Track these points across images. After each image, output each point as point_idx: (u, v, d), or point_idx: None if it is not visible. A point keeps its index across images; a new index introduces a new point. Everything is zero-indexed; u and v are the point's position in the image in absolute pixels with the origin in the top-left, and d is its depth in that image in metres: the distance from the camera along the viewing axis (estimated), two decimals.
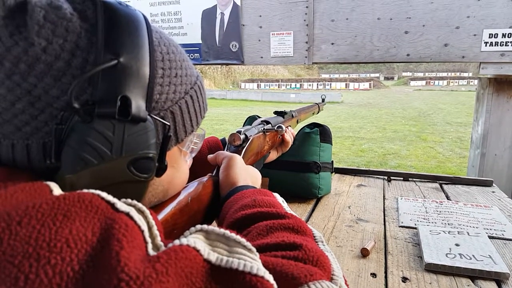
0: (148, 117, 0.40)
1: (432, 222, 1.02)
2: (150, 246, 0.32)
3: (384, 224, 1.03)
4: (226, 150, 0.83)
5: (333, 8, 2.34)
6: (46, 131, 0.36)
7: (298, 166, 1.21)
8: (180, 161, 0.50)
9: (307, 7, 2.38)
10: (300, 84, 36.60)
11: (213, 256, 0.32)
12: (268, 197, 0.55)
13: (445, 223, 1.02)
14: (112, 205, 0.33)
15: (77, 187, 0.36)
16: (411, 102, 18.46)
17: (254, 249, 0.35)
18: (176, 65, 0.45)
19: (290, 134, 1.03)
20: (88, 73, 0.36)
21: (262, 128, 0.88)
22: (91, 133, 0.36)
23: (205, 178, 0.61)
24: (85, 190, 0.33)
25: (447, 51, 2.19)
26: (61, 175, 0.36)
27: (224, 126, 9.76)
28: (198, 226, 0.36)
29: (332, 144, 1.28)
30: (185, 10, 2.60)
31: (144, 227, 0.33)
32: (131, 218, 0.32)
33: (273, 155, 1.02)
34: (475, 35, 2.11)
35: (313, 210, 1.15)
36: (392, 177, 1.45)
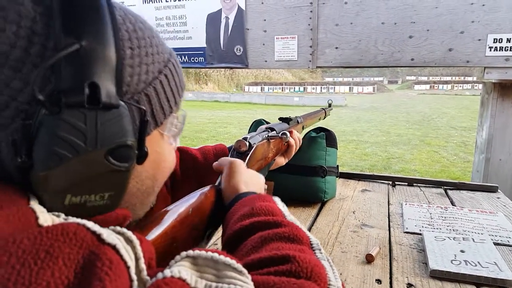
0: (121, 102, 0.37)
1: (437, 228, 1.02)
2: (135, 284, 0.30)
3: (389, 230, 1.03)
4: (230, 157, 0.83)
5: (337, 13, 2.35)
6: (13, 127, 0.34)
7: (304, 170, 1.21)
8: (163, 145, 0.48)
9: (311, 11, 2.39)
10: (304, 88, 36.60)
11: (200, 284, 0.31)
12: (267, 202, 0.54)
13: (450, 229, 1.02)
14: (98, 236, 0.30)
15: (52, 185, 0.34)
16: (415, 106, 18.42)
17: (245, 271, 0.34)
18: (146, 42, 0.42)
19: (296, 138, 1.03)
20: (49, 60, 0.33)
21: (266, 136, 0.88)
22: (61, 125, 0.33)
23: (206, 188, 0.60)
24: (71, 220, 0.32)
25: (451, 55, 2.19)
26: (34, 173, 0.34)
27: (227, 129, 9.77)
28: (184, 253, 0.34)
29: (337, 149, 1.28)
30: (190, 14, 2.61)
31: (131, 262, 0.31)
32: (118, 252, 0.30)
33: (281, 161, 1.01)
34: (479, 40, 2.11)
35: (317, 215, 1.15)
36: (396, 182, 1.45)
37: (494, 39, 2.09)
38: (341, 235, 1.00)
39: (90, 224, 0.31)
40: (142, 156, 0.40)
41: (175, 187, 0.82)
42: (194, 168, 0.85)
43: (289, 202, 1.22)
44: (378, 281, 0.78)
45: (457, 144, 7.70)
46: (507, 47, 2.07)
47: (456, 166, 5.82)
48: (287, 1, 2.42)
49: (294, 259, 0.38)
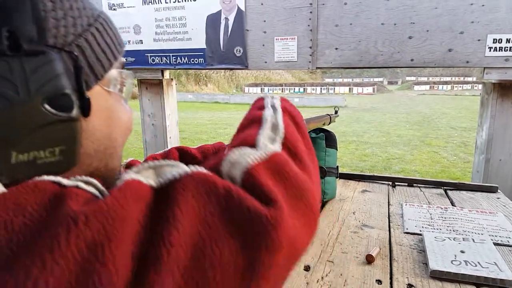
0: (50, 50, 0.37)
1: (437, 229, 1.02)
2: None
3: (389, 230, 1.03)
4: None
5: (337, 14, 2.35)
6: None
7: None
8: (113, 103, 0.47)
9: (311, 12, 2.39)
10: (304, 88, 36.61)
11: (152, 181, 0.34)
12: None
13: (450, 230, 1.02)
14: (59, 183, 0.32)
15: None
16: (415, 107, 18.43)
17: (181, 164, 0.37)
18: None
19: None
20: None
21: None
22: None
23: None
24: (35, 179, 0.33)
25: (451, 56, 2.19)
26: None
27: (227, 130, 9.77)
28: (127, 172, 0.37)
29: (337, 149, 1.28)
30: (189, 15, 2.61)
31: (96, 192, 0.33)
32: (80, 188, 0.32)
33: None
34: (479, 40, 2.11)
35: None
36: (396, 183, 1.45)
37: (494, 39, 2.09)
38: (341, 236, 1.00)
39: (48, 177, 0.32)
40: (85, 107, 0.40)
41: None
42: None
43: None
44: (379, 282, 0.78)
45: (457, 144, 7.70)
46: (507, 47, 2.08)
47: (456, 167, 5.82)
48: (287, 2, 2.42)
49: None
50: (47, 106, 0.36)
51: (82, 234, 0.26)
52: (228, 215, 0.33)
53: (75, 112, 0.39)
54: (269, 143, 0.44)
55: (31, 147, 0.37)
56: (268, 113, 0.51)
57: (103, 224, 0.27)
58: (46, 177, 0.32)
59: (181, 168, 0.36)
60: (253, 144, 0.42)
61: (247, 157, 0.39)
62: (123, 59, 0.51)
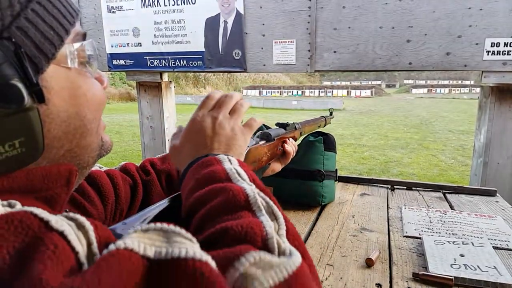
0: None
1: (437, 232, 1.02)
2: (85, 267, 0.29)
3: (389, 234, 1.03)
4: None
5: (335, 17, 2.36)
6: None
7: (302, 174, 1.21)
8: (73, 79, 0.44)
9: (309, 15, 2.40)
10: (302, 91, 36.66)
11: (150, 251, 0.30)
12: (209, 167, 0.50)
13: (450, 233, 1.02)
14: (46, 223, 0.29)
15: None
16: (413, 110, 18.47)
17: (193, 239, 0.33)
18: None
19: (291, 146, 1.03)
20: None
21: (259, 139, 0.88)
22: None
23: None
24: (18, 208, 0.31)
25: (449, 59, 2.20)
26: None
27: None
28: (132, 229, 0.33)
29: (336, 153, 1.28)
30: (188, 18, 2.62)
31: (80, 247, 0.30)
32: (65, 237, 0.29)
33: (277, 167, 1.01)
34: (477, 44, 2.12)
35: (317, 219, 1.15)
36: (395, 186, 1.45)
37: (492, 43, 2.10)
38: (340, 239, 1.00)
39: (38, 211, 0.30)
40: (38, 94, 0.38)
41: (172, 188, 0.82)
42: None
43: (288, 206, 1.23)
44: (378, 286, 0.78)
45: (455, 147, 7.72)
46: (505, 51, 2.09)
47: (454, 170, 5.83)
48: (286, 5, 2.43)
49: (229, 229, 0.37)
50: None
51: None
52: None
53: (27, 101, 0.37)
54: (282, 243, 0.37)
55: None
56: (250, 192, 0.44)
57: None
58: (34, 210, 0.30)
59: (192, 249, 0.30)
60: (265, 240, 0.36)
61: (268, 275, 0.31)
62: (80, 28, 0.46)
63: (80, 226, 0.31)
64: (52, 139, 0.41)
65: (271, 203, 0.43)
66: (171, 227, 0.33)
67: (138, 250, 0.29)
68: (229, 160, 0.52)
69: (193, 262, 0.29)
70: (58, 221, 0.30)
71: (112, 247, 0.29)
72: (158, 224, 0.33)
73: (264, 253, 0.33)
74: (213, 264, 0.30)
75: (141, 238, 0.31)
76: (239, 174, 0.48)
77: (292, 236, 0.40)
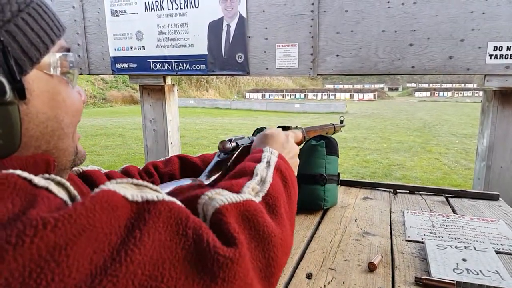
0: None
1: (439, 237, 1.02)
2: None
3: (391, 238, 1.03)
4: (217, 158, 0.84)
5: (338, 21, 2.37)
6: None
7: (304, 178, 1.21)
8: (54, 85, 0.48)
9: (312, 19, 2.41)
10: (305, 95, 36.68)
11: (129, 194, 0.35)
12: (247, 162, 0.63)
13: (452, 238, 1.01)
14: (30, 181, 0.33)
15: None
16: (415, 113, 18.44)
17: (160, 190, 0.40)
18: None
19: None
20: None
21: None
22: None
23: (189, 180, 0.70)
24: (3, 171, 0.34)
25: (452, 63, 2.20)
26: None
27: (228, 135, 9.77)
28: (108, 182, 0.38)
29: (338, 156, 1.28)
30: (191, 22, 2.63)
31: (66, 198, 0.34)
32: (50, 191, 0.33)
33: None
34: (480, 47, 2.12)
35: (319, 223, 1.15)
36: (398, 190, 1.45)
37: (494, 47, 2.10)
38: (343, 243, 1.00)
39: (19, 172, 0.33)
40: (20, 91, 0.41)
41: None
42: (195, 175, 0.86)
43: None
44: None
45: (458, 151, 7.70)
46: (507, 55, 2.08)
47: (457, 173, 5.81)
48: (288, 9, 2.44)
49: (222, 186, 0.51)
50: None
51: (47, 237, 0.28)
52: (190, 247, 0.36)
53: (9, 95, 0.40)
54: (250, 193, 0.50)
55: None
56: (260, 167, 0.58)
57: (66, 230, 0.29)
58: (16, 171, 0.33)
59: (162, 194, 0.38)
60: (237, 191, 0.48)
61: (222, 197, 0.44)
62: (65, 43, 0.51)
63: (59, 184, 0.35)
64: (29, 138, 0.44)
65: (269, 178, 0.57)
66: (140, 181, 0.40)
67: (119, 191, 0.35)
68: (271, 152, 0.67)
69: (164, 202, 0.37)
70: (40, 180, 0.34)
71: (96, 189, 0.34)
72: (129, 179, 0.40)
73: (227, 191, 0.47)
74: (179, 203, 0.39)
75: (117, 186, 0.37)
76: (268, 162, 0.62)
77: (271, 198, 0.53)
